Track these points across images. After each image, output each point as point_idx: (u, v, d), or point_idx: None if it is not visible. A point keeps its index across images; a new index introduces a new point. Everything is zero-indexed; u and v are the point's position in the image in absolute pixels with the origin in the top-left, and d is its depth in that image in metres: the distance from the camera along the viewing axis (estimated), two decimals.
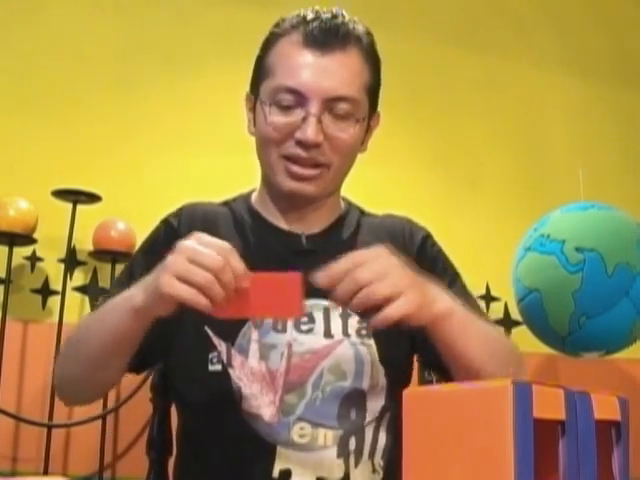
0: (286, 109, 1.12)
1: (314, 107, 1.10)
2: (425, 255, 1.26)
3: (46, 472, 2.01)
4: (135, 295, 0.98)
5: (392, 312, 0.91)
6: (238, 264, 0.91)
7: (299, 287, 0.90)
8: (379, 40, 1.19)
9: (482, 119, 2.81)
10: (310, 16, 1.15)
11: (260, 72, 1.18)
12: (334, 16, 1.15)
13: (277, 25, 1.18)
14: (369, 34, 1.18)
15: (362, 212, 1.32)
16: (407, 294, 0.92)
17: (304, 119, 1.11)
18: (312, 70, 1.11)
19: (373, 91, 1.19)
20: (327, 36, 1.12)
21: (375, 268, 0.92)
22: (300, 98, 1.11)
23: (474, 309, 1.19)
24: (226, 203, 1.28)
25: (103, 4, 2.48)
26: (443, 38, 2.81)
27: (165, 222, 1.25)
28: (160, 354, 1.19)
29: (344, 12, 1.16)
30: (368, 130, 1.21)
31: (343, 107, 1.12)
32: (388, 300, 0.91)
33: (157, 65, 2.47)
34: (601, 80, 2.96)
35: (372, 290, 0.91)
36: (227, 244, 0.93)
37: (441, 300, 0.98)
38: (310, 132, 1.10)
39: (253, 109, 1.20)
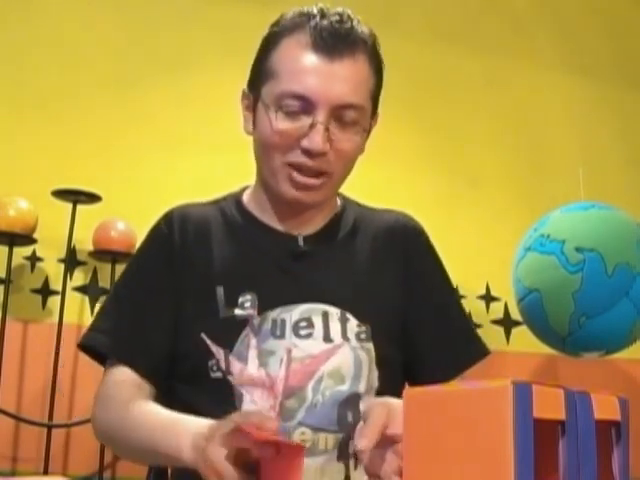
0: (292, 115, 1.08)
1: (321, 115, 1.07)
2: (420, 254, 1.25)
3: (46, 472, 2.01)
4: (185, 453, 0.95)
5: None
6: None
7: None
8: (380, 40, 1.18)
9: (482, 119, 2.81)
10: (316, 15, 1.10)
11: (262, 73, 1.13)
12: (342, 18, 1.10)
13: (277, 23, 1.14)
14: (373, 36, 1.14)
15: (359, 206, 1.30)
16: None
17: (311, 127, 1.07)
18: (320, 76, 1.07)
19: (376, 95, 1.17)
20: (336, 40, 1.08)
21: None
22: (307, 104, 1.07)
23: (455, 311, 1.24)
24: (216, 202, 1.25)
25: (103, 4, 2.48)
26: (443, 38, 2.81)
27: (156, 229, 1.23)
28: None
29: (350, 13, 1.12)
30: (368, 132, 1.20)
31: (350, 115, 1.09)
32: None
33: (157, 65, 2.47)
34: (601, 80, 2.96)
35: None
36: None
37: None
38: (318, 141, 1.07)
39: (251, 109, 1.17)
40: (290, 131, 1.09)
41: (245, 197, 1.24)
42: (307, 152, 1.09)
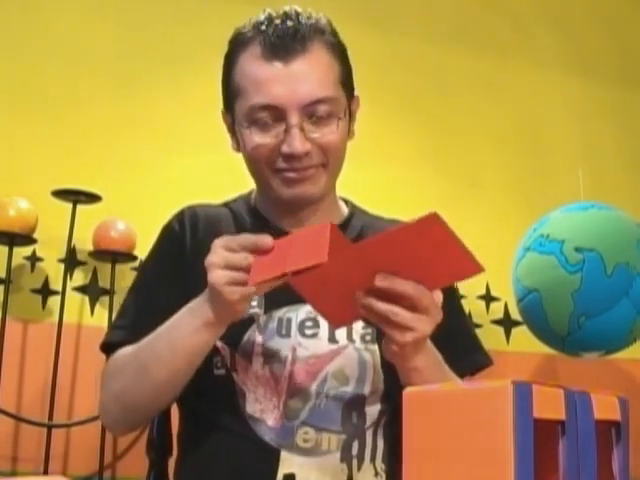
0: (266, 126, 1.10)
1: (293, 118, 1.08)
2: None
3: (46, 472, 2.01)
4: (201, 312, 1.01)
5: (398, 337, 0.92)
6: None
7: (327, 234, 0.86)
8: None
9: (482, 119, 2.81)
10: (264, 23, 1.12)
11: (230, 91, 1.16)
12: (286, 17, 1.11)
13: (234, 39, 1.17)
14: (327, 23, 1.15)
15: (367, 214, 1.31)
16: (415, 336, 0.92)
17: (286, 132, 1.09)
18: (281, 81, 1.09)
19: (346, 79, 1.17)
20: (285, 41, 1.09)
21: (425, 304, 0.91)
22: (277, 112, 1.09)
23: (460, 318, 1.25)
24: (226, 204, 1.27)
25: (103, 4, 2.48)
26: (443, 38, 2.80)
27: (168, 228, 1.24)
28: None
29: (297, 9, 1.13)
30: (351, 116, 1.20)
31: (322, 109, 1.10)
32: (400, 327, 0.91)
33: (157, 65, 2.47)
34: (601, 80, 2.96)
35: (399, 313, 0.90)
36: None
37: (420, 359, 0.99)
38: (296, 144, 1.08)
39: (232, 128, 1.19)
40: (267, 142, 1.10)
41: (253, 198, 1.26)
42: (289, 156, 1.10)
